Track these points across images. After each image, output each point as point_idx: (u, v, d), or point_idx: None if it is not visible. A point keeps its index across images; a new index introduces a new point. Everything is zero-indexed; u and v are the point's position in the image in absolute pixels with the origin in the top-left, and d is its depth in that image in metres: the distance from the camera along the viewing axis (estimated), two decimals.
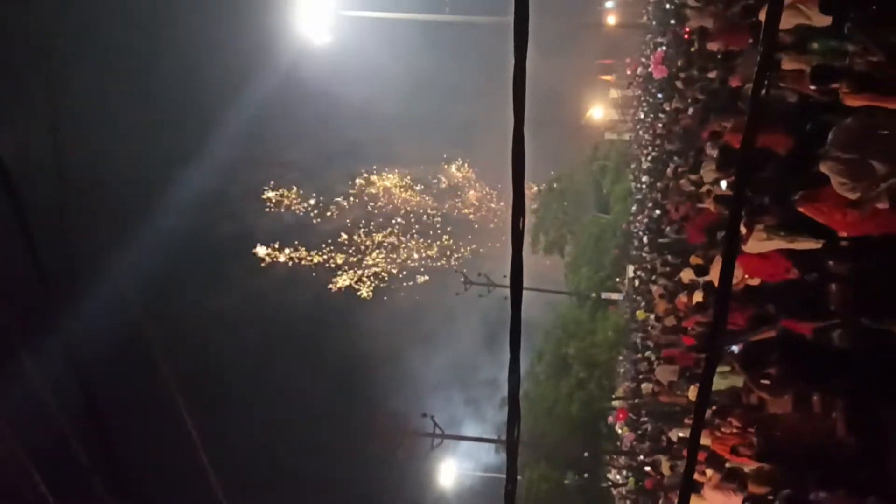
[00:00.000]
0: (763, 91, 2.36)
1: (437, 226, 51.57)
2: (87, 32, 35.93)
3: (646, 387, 19.93)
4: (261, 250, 47.05)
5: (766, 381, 6.61)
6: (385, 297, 48.35)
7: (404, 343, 47.56)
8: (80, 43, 35.23)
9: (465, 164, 51.74)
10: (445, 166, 51.92)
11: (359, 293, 48.23)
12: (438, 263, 50.03)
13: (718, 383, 9.59)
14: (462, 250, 50.40)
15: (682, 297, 13.50)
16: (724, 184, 10.34)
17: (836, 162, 5.44)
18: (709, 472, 9.30)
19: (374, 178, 50.77)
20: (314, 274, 48.06)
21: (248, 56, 42.66)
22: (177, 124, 40.35)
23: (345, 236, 49.34)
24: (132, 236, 35.44)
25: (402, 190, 51.60)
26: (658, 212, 21.90)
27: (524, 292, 2.49)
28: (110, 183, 35.35)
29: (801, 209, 6.07)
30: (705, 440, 8.63)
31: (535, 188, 46.62)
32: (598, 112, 48.83)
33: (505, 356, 2.52)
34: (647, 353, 20.76)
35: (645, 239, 25.43)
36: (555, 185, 46.92)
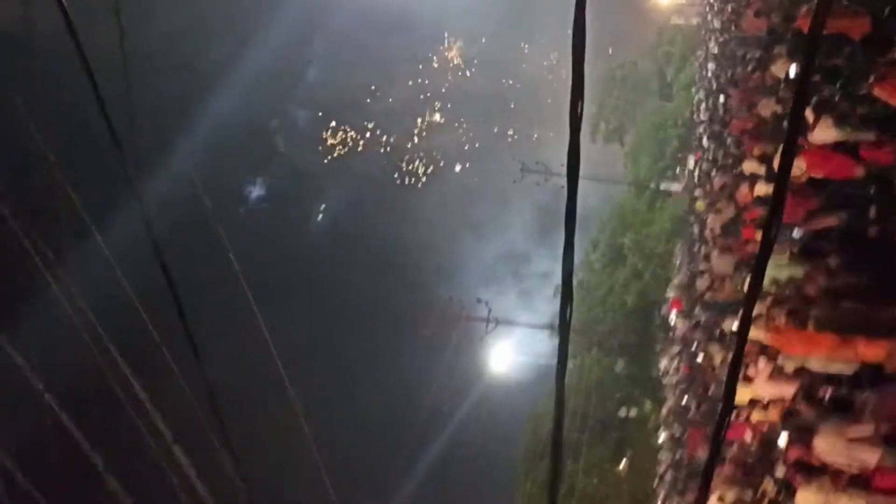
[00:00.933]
0: None
1: (495, 107, 51.06)
2: None
3: (700, 283, 19.88)
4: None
5: (826, 268, 6.57)
6: (437, 182, 48.42)
7: (458, 231, 47.90)
8: None
9: (526, 43, 50.51)
10: (505, 42, 50.75)
11: (412, 175, 48.33)
12: (495, 147, 49.69)
13: (778, 272, 9.51)
14: (517, 133, 49.90)
15: (744, 189, 13.26)
16: (793, 70, 9.96)
17: None
18: (761, 363, 9.36)
19: (430, 56, 49.93)
20: (365, 155, 48.05)
21: None
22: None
23: (396, 116, 49.00)
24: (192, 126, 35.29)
25: (456, 69, 50.84)
26: (723, 100, 21.28)
27: (581, 181, 2.51)
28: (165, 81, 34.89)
29: (876, 91, 5.86)
30: (759, 333, 8.65)
31: (596, 76, 45.52)
32: None
33: (560, 248, 2.56)
34: (704, 247, 20.61)
35: (708, 128, 24.82)
36: (617, 71, 45.67)
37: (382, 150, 49.02)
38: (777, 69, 11.22)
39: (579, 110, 2.01)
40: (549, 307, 43.84)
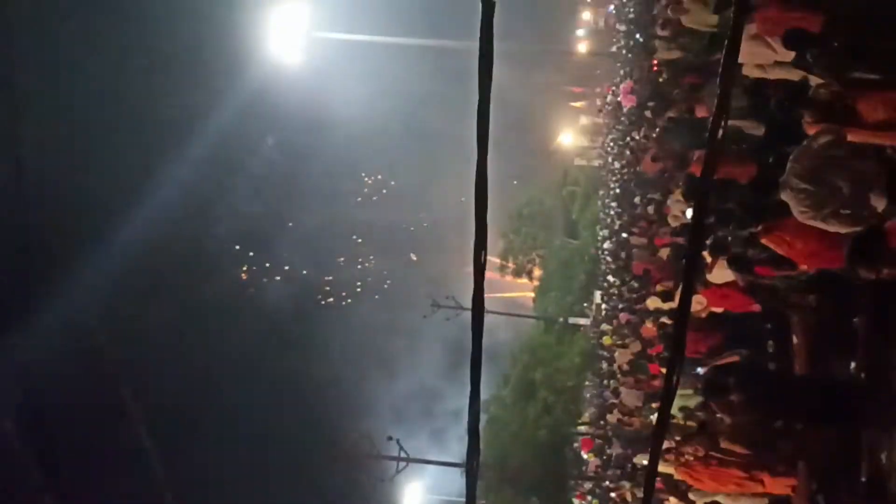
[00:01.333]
0: (723, 123, 2.40)
1: (402, 241, 51.62)
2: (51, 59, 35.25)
3: (611, 417, 19.99)
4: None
5: (728, 405, 6.68)
6: (345, 315, 47.98)
7: (366, 366, 47.23)
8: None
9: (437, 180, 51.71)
10: (415, 181, 51.89)
11: (319, 308, 47.78)
12: (405, 281, 49.93)
13: (686, 401, 9.64)
14: (428, 268, 50.41)
15: (648, 325, 13.62)
16: (689, 213, 10.48)
17: (795, 190, 5.54)
18: (672, 500, 9.34)
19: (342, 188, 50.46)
20: (269, 286, 47.39)
21: (212, 79, 42.20)
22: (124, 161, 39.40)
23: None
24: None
25: (368, 202, 51.55)
26: (625, 238, 22.08)
27: (490, 316, 2.51)
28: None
29: (763, 241, 6.17)
30: (668, 468, 8.67)
31: (506, 214, 46.81)
32: (569, 138, 49.29)
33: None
34: (612, 381, 20.85)
35: (611, 265, 25.62)
36: (524, 210, 47.11)
37: (286, 283, 48.48)
38: (674, 210, 11.79)
39: (482, 259, 2.01)
40: (461, 445, 43.02)
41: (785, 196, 5.61)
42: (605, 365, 25.44)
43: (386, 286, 50.83)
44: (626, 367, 16.96)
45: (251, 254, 47.04)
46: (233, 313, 44.47)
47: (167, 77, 40.11)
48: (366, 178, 51.44)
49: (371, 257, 51.66)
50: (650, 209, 15.19)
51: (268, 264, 47.69)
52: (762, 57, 7.21)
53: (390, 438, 30.95)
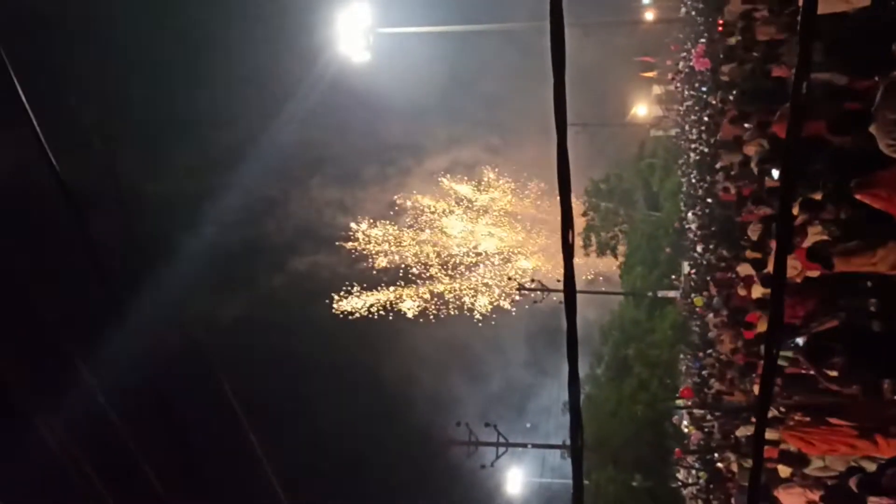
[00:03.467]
0: (806, 77, 2.33)
1: (486, 242, 51.86)
2: (121, 58, 37.11)
3: (709, 388, 19.63)
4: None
5: (833, 372, 6.48)
6: (433, 318, 48.60)
7: (453, 356, 47.91)
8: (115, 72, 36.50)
9: (502, 169, 51.64)
10: (487, 176, 51.98)
11: (408, 312, 48.33)
12: (492, 279, 50.19)
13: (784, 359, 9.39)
14: (513, 261, 50.56)
15: (741, 290, 13.29)
16: (775, 173, 10.16)
17: (883, 122, 5.30)
18: (781, 467, 9.13)
19: (418, 197, 51.07)
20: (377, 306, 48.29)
21: (284, 79, 43.52)
22: (209, 157, 41.15)
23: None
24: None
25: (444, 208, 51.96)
26: (709, 207, 21.64)
27: (579, 295, 2.51)
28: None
29: (857, 196, 5.94)
30: (775, 435, 8.47)
31: (582, 190, 46.35)
32: (642, 110, 48.41)
33: (564, 369, 2.55)
34: (709, 351, 20.47)
35: (697, 234, 25.11)
36: (602, 185, 46.57)
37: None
38: (758, 175, 11.46)
39: (570, 238, 2.02)
40: (558, 428, 43.24)
41: (873, 128, 5.37)
42: (698, 335, 25.01)
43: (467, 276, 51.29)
44: (722, 335, 16.59)
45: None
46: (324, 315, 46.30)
47: (241, 90, 41.95)
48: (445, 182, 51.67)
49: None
50: (733, 173, 14.81)
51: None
52: (843, 5, 6.94)
53: (487, 425, 31.12)
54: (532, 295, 39.27)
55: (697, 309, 24.84)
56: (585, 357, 38.69)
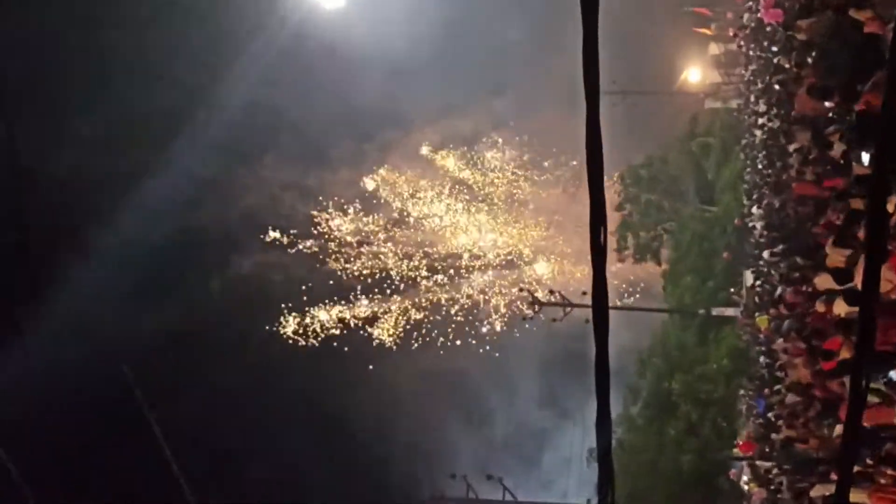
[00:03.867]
0: None
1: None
2: None
3: (777, 435, 19.65)
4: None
5: None
6: (420, 341, 48.63)
7: (456, 393, 48.12)
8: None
9: (512, 146, 51.76)
10: (493, 156, 52.05)
11: (386, 333, 48.40)
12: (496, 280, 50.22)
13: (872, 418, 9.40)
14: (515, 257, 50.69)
15: (819, 308, 13.30)
16: (865, 157, 10.18)
17: None
18: None
19: (392, 175, 51.01)
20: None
21: (235, 26, 43.52)
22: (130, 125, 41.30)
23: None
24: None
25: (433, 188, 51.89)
26: (779, 201, 21.65)
27: (612, 312, 2.51)
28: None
29: None
30: (860, 496, 8.48)
31: (616, 176, 46.32)
32: (695, 74, 48.39)
33: (590, 410, 2.55)
34: (777, 387, 20.49)
35: (764, 235, 25.15)
36: (643, 171, 46.58)
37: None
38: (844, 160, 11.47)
39: (602, 237, 2.00)
40: (581, 483, 43.42)
41: None
42: (764, 365, 25.02)
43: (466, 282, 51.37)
44: (794, 367, 16.60)
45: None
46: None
47: (199, 31, 41.82)
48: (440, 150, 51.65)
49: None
50: (811, 157, 14.82)
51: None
52: None
53: (490, 478, 31.20)
54: (548, 311, 39.29)
55: (763, 331, 24.84)
56: (618, 392, 38.73)
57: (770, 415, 21.90)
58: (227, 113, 43.91)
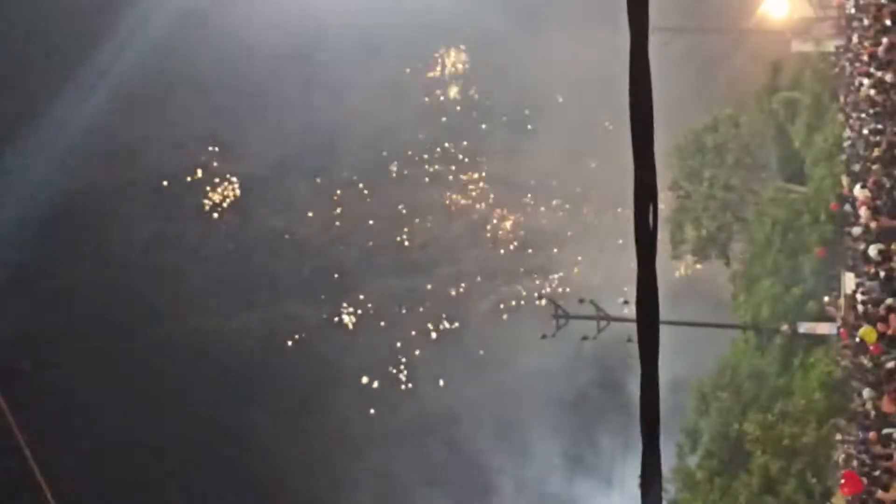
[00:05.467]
0: None
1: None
2: None
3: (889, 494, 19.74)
4: None
5: None
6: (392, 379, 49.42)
7: (440, 444, 48.61)
8: None
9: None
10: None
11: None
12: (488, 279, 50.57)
13: None
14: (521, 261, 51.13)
15: None
16: None
17: None
18: None
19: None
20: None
21: None
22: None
23: None
24: None
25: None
26: (892, 178, 21.70)
27: (664, 329, 2.48)
28: None
29: None
30: None
31: (674, 146, 46.38)
32: (778, 6, 48.47)
33: (631, 442, 2.51)
34: (889, 431, 20.56)
35: (872, 225, 25.16)
36: (706, 137, 46.65)
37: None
38: None
39: (651, 222, 1.97)
40: None
41: None
42: (869, 403, 25.04)
43: (461, 289, 51.86)
44: None
45: None
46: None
47: None
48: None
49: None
50: None
51: None
52: None
53: None
54: (575, 326, 39.35)
55: (870, 349, 24.81)
56: (670, 437, 38.80)
57: (877, 473, 21.96)
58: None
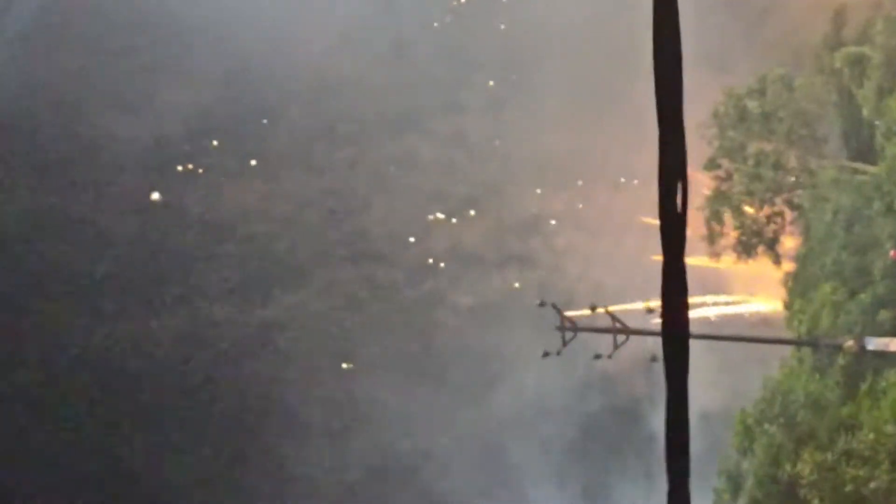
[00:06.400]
0: None
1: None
2: None
3: None
4: None
5: None
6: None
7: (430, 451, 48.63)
8: None
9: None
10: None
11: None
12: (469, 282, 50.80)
13: None
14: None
15: None
16: None
17: None
18: None
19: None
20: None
21: None
22: None
23: None
24: None
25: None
26: None
27: (697, 345, 2.47)
28: None
29: None
30: None
31: (712, 112, 46.49)
32: None
33: (654, 485, 2.52)
34: None
35: None
36: (751, 102, 46.74)
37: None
38: None
39: (681, 205, 1.97)
40: None
41: None
42: None
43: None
44: None
45: None
46: None
47: None
48: None
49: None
50: None
51: None
52: None
53: None
54: (584, 341, 39.42)
55: None
56: (706, 480, 38.94)
57: None
58: None
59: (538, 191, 54.65)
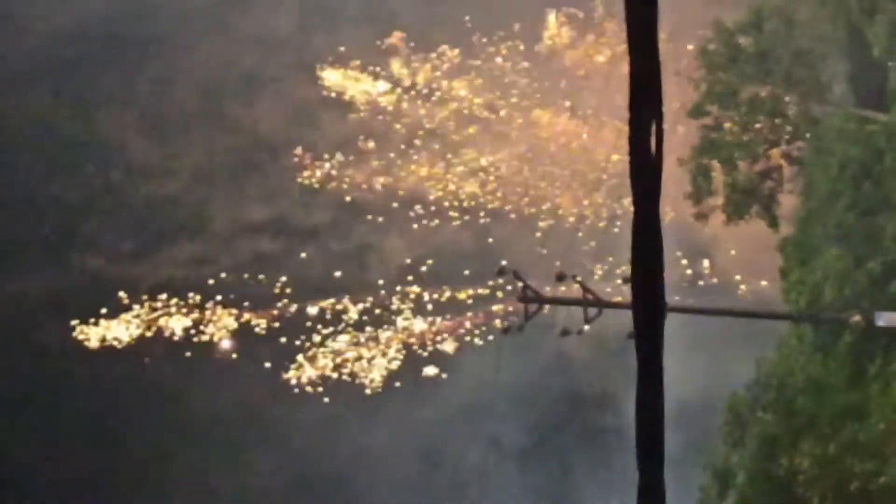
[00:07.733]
0: None
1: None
2: None
3: None
4: None
5: None
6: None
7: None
8: None
9: None
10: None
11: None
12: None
13: None
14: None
15: None
16: None
17: None
18: None
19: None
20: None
21: None
22: None
23: None
24: None
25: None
26: None
27: (672, 316, 2.45)
28: None
29: None
30: None
31: (699, 49, 46.66)
32: None
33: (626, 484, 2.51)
34: None
35: None
36: (742, 38, 46.90)
37: None
38: None
39: (656, 160, 1.95)
40: None
41: None
42: None
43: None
44: None
45: None
46: None
47: None
48: None
49: None
50: None
51: None
52: None
53: None
54: (553, 315, 39.57)
55: None
56: (690, 476, 39.21)
57: None
58: None
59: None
